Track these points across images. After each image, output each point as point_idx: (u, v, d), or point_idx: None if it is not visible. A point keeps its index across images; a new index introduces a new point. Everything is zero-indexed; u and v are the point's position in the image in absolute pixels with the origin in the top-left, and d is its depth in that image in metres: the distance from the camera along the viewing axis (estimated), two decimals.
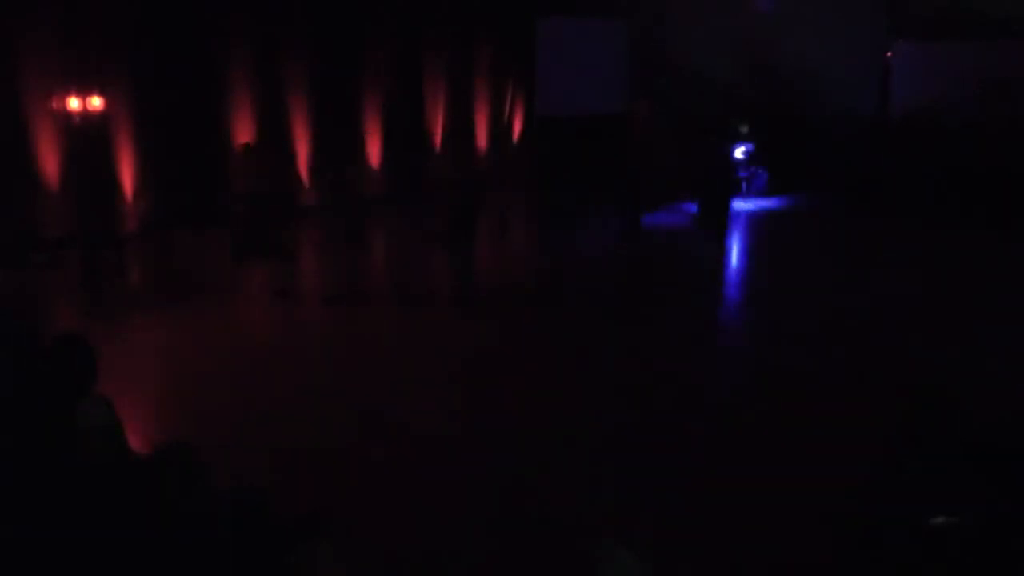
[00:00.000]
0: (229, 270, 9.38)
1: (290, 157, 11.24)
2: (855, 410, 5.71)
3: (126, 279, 8.77)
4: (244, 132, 10.91)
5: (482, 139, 13.86)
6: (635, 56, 14.45)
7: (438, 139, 13.17)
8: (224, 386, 6.09)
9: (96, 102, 9.38)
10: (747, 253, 10.76)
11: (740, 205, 12.50)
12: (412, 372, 6.45)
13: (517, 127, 14.33)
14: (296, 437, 5.30)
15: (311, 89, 11.41)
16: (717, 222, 10.62)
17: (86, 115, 9.32)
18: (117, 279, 8.57)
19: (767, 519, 4.40)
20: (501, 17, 13.51)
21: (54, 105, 9.24)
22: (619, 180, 11.82)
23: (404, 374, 6.39)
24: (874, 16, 13.25)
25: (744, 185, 12.79)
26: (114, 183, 9.86)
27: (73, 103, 9.27)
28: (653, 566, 3.09)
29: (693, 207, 12.13)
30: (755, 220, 12.02)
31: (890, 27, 13.19)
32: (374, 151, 12.34)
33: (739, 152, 12.76)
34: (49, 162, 9.28)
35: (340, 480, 4.75)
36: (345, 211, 9.73)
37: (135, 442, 3.94)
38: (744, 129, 12.71)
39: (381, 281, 9.55)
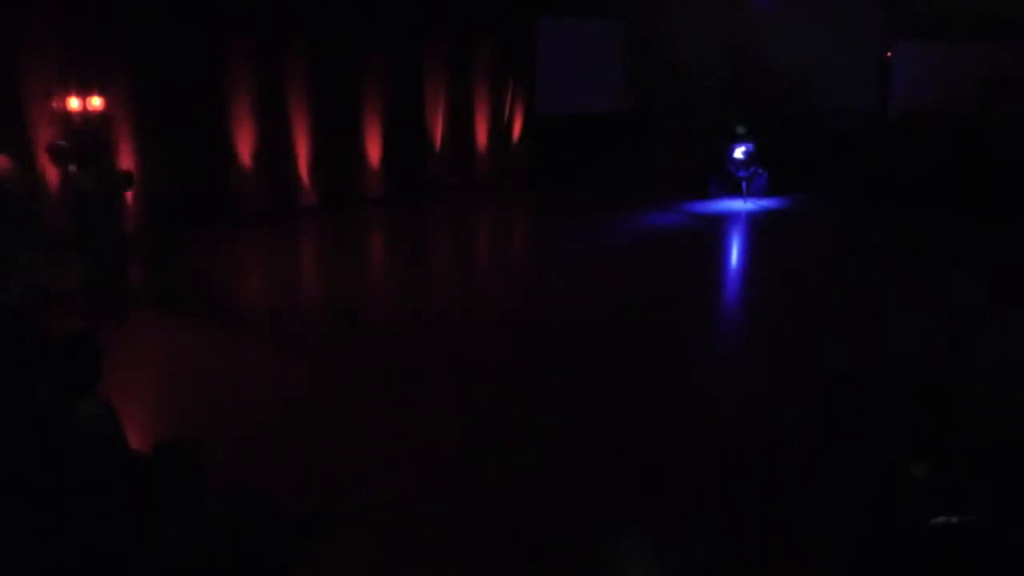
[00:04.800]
0: (229, 271, 9.40)
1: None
2: (855, 409, 5.72)
3: (126, 279, 8.76)
4: (244, 132, 10.91)
5: (482, 139, 13.85)
6: (634, 56, 14.47)
7: (438, 139, 13.16)
8: (225, 386, 6.09)
9: (96, 102, 9.37)
10: (746, 253, 10.76)
11: (739, 205, 12.52)
12: (425, 378, 6.44)
13: (517, 127, 14.33)
14: (298, 437, 5.30)
15: (311, 88, 11.40)
16: None
17: (86, 115, 9.32)
18: (117, 279, 8.56)
19: (767, 519, 4.40)
20: (501, 17, 13.50)
21: (54, 105, 9.23)
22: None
23: (417, 379, 6.39)
24: (874, 16, 13.25)
25: (744, 185, 12.79)
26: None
27: (73, 103, 9.27)
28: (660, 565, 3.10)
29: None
30: (755, 220, 12.01)
31: (890, 27, 13.19)
32: (374, 151, 12.32)
33: (739, 152, 12.76)
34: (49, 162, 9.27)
35: (340, 480, 4.75)
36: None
37: (135, 442, 3.95)
38: (741, 130, 12.72)
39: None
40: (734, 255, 10.67)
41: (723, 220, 11.94)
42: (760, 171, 12.88)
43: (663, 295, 8.53)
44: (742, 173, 12.79)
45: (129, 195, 9.60)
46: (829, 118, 13.20)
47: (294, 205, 11.54)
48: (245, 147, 10.96)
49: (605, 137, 14.34)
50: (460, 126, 13.44)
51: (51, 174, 9.29)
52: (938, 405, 4.00)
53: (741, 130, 12.75)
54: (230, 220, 10.79)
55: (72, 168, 8.42)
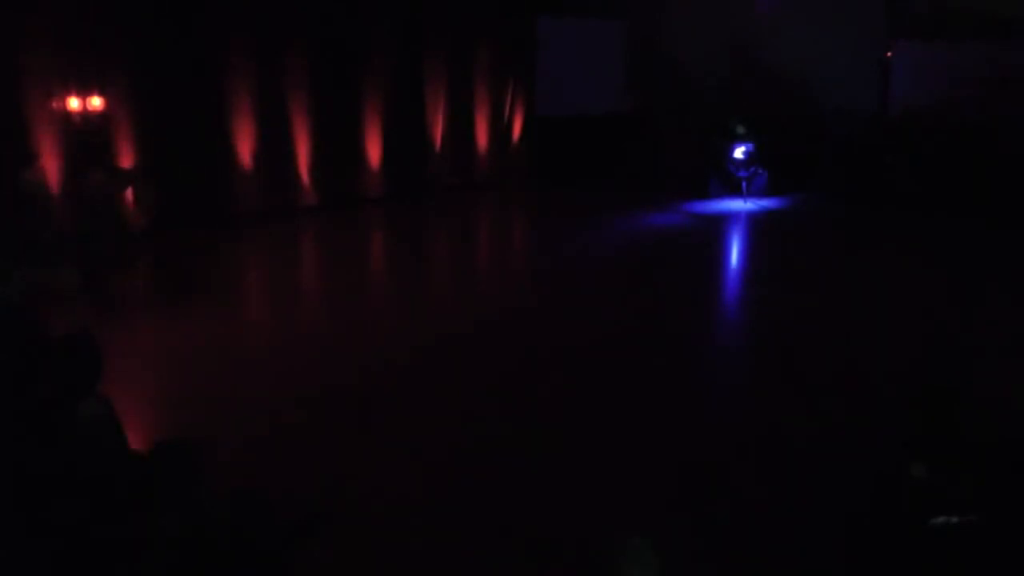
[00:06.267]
0: (228, 272, 9.41)
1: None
2: (855, 409, 5.72)
3: (126, 279, 8.77)
4: (244, 132, 10.91)
5: (482, 139, 13.85)
6: (634, 56, 14.48)
7: (438, 139, 13.16)
8: (225, 386, 6.09)
9: (96, 102, 9.38)
10: (746, 253, 10.76)
11: (739, 205, 12.53)
12: (425, 377, 6.45)
13: (517, 127, 14.33)
14: (297, 437, 5.31)
15: (311, 88, 11.41)
16: None
17: (86, 115, 9.33)
18: (117, 279, 8.57)
19: (767, 519, 4.40)
20: (501, 17, 13.51)
21: (54, 105, 9.25)
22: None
23: (417, 378, 6.39)
24: (874, 16, 13.26)
25: (744, 185, 12.79)
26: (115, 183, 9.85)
27: (73, 103, 9.28)
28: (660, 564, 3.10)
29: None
30: (755, 220, 12.02)
31: (890, 27, 13.20)
32: (374, 151, 12.33)
33: (739, 152, 12.76)
34: (49, 163, 9.28)
35: (340, 480, 4.75)
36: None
37: (135, 442, 3.94)
38: (741, 130, 12.73)
39: None
40: (734, 255, 10.67)
41: (723, 220, 11.95)
42: (760, 171, 12.89)
43: (663, 295, 8.53)
44: (742, 173, 12.79)
45: (130, 193, 9.64)
46: (829, 118, 13.20)
47: (294, 205, 11.55)
48: (245, 147, 10.96)
49: (605, 137, 14.34)
50: (460, 126, 13.44)
51: (53, 175, 9.30)
52: (938, 405, 4.00)
53: (741, 130, 12.75)
54: (230, 220, 10.80)
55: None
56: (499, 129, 14.03)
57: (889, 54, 13.29)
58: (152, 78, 9.93)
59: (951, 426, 3.84)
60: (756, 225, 11.82)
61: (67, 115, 9.31)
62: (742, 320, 8.15)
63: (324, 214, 11.66)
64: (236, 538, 3.05)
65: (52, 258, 8.41)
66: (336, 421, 5.55)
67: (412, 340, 7.13)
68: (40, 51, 9.05)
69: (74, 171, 9.24)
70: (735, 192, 12.78)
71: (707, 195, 12.92)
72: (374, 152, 12.33)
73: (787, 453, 5.12)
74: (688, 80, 13.89)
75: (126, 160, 9.82)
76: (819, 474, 4.83)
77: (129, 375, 5.93)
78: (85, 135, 9.37)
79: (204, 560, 2.91)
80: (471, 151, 13.74)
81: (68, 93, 9.28)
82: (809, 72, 13.09)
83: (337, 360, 6.66)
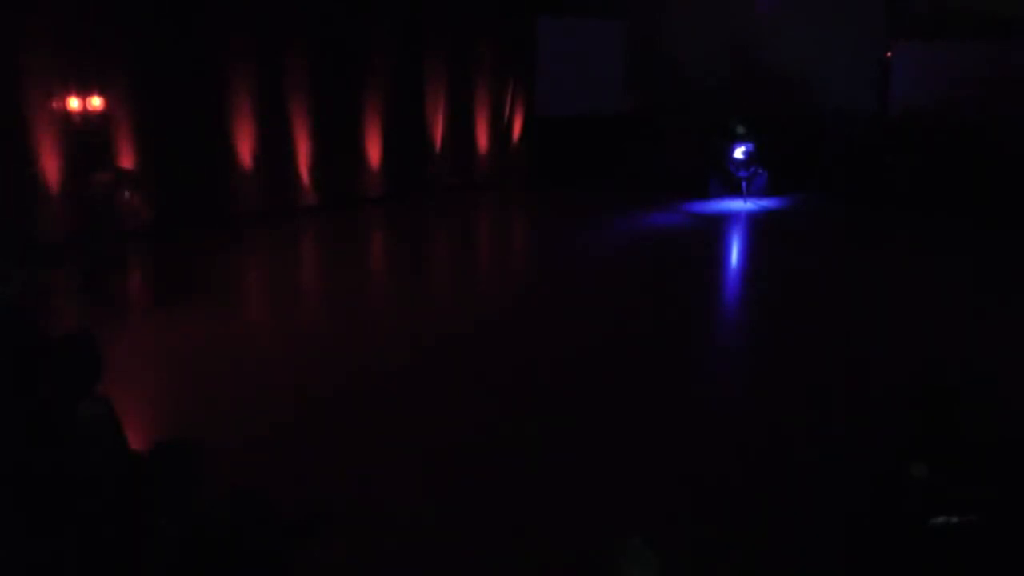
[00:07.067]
0: (228, 270, 9.41)
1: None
2: (855, 409, 5.72)
3: (126, 279, 8.76)
4: (244, 132, 10.91)
5: (482, 139, 13.85)
6: (634, 56, 14.48)
7: (438, 139, 13.16)
8: (225, 386, 6.08)
9: (96, 102, 9.38)
10: (746, 253, 10.76)
11: (739, 205, 12.53)
12: (425, 377, 6.45)
13: (517, 127, 14.33)
14: (297, 437, 5.31)
15: (311, 88, 11.40)
16: None
17: (86, 115, 9.33)
18: (117, 279, 8.56)
19: (767, 519, 4.40)
20: (501, 17, 13.51)
21: (54, 105, 9.24)
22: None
23: (417, 379, 6.39)
24: (874, 16, 13.25)
25: (744, 185, 12.79)
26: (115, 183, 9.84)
27: (73, 103, 9.28)
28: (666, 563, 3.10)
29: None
30: (755, 220, 12.02)
31: (890, 27, 13.19)
32: (374, 151, 12.32)
33: (739, 152, 12.76)
34: (49, 163, 9.28)
35: (340, 480, 4.75)
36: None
37: (135, 442, 3.95)
38: (741, 130, 12.73)
39: None
40: (734, 255, 10.67)
41: (723, 220, 11.95)
42: (760, 171, 12.89)
43: (663, 295, 8.52)
44: (742, 173, 12.79)
45: (131, 195, 9.63)
46: (829, 118, 13.20)
47: (294, 205, 11.55)
48: (245, 147, 10.96)
49: (605, 137, 14.34)
50: (460, 126, 13.44)
51: (51, 177, 9.29)
52: (938, 405, 4.00)
53: (741, 130, 12.75)
54: (230, 220, 10.80)
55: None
56: (499, 129, 14.03)
57: (889, 54, 13.28)
58: (152, 78, 9.93)
59: (951, 426, 3.84)
60: (756, 225, 11.82)
61: (67, 115, 9.30)
62: (742, 320, 8.15)
63: (324, 214, 11.65)
64: (236, 538, 3.05)
65: (52, 258, 8.42)
66: (336, 421, 5.55)
67: (412, 340, 7.13)
68: (40, 51, 9.05)
69: (74, 171, 9.23)
70: (735, 192, 12.77)
71: (707, 195, 12.92)
72: (374, 152, 12.33)
73: (787, 453, 5.12)
74: (688, 80, 13.88)
75: (126, 160, 9.81)
76: (819, 474, 4.83)
77: (129, 375, 5.93)
78: (85, 135, 9.36)
79: (204, 560, 2.91)
80: (471, 151, 13.73)
81: (68, 93, 9.28)
82: (809, 72, 13.08)
83: (337, 360, 6.66)
